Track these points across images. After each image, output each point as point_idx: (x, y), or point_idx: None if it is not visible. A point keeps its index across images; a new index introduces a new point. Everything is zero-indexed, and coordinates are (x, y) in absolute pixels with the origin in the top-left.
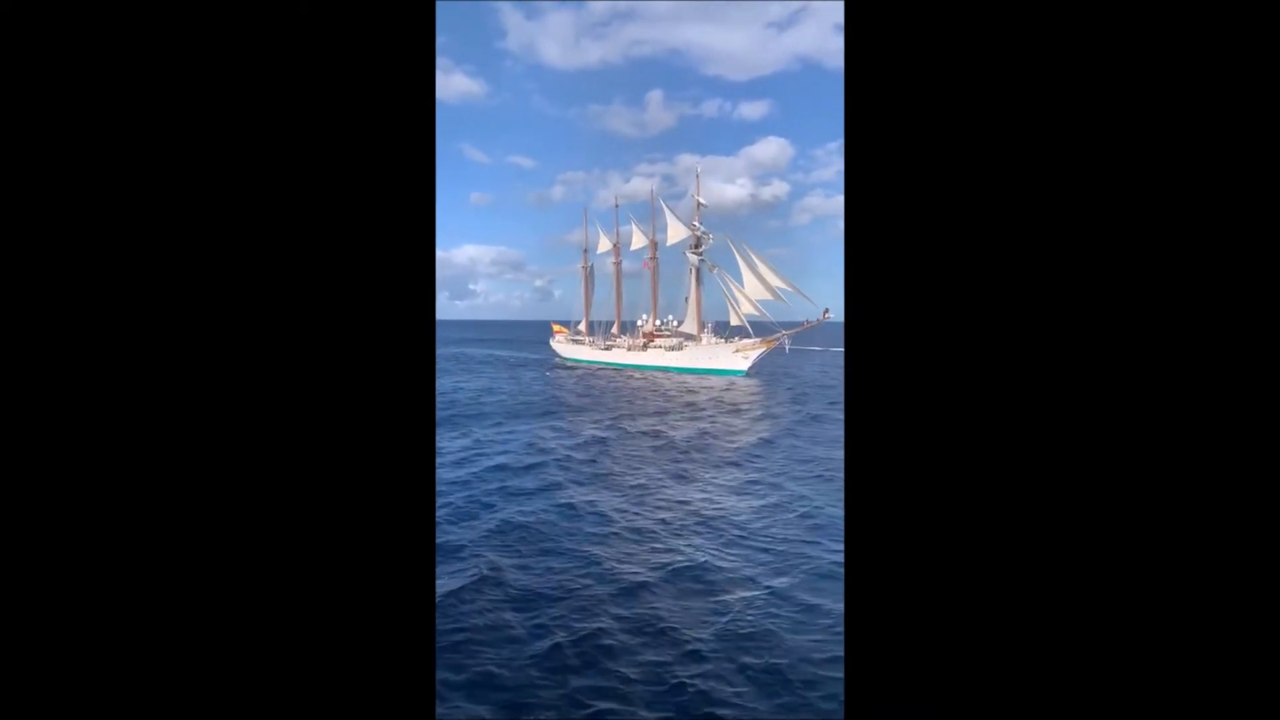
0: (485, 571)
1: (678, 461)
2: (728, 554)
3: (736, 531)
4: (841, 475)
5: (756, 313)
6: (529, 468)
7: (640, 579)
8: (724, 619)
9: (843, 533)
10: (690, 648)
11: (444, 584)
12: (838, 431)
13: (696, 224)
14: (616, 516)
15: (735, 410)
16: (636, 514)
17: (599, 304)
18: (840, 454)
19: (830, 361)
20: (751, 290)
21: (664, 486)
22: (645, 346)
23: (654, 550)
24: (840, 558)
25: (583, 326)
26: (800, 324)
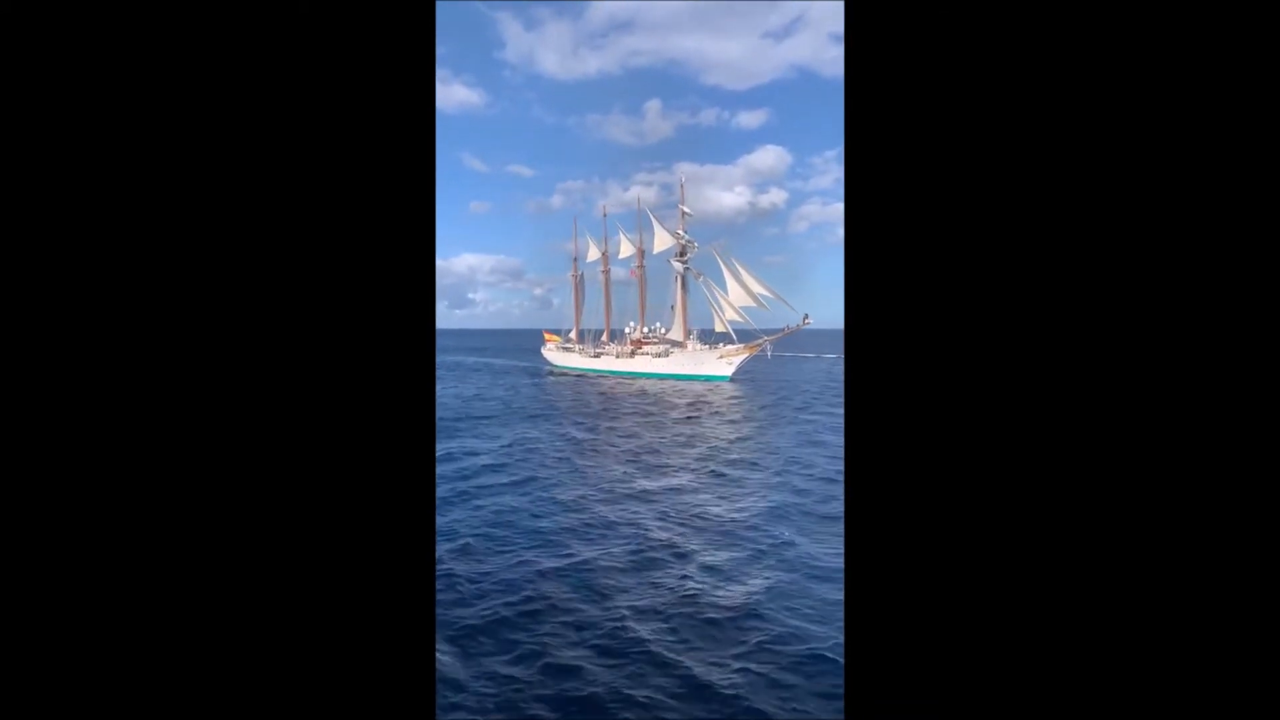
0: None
1: (650, 457)
2: (695, 540)
3: (704, 521)
4: (809, 469)
5: (740, 319)
6: (504, 466)
7: (583, 555)
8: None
9: (784, 517)
10: (617, 598)
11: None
12: (812, 430)
13: (681, 233)
14: (584, 504)
15: (717, 413)
16: (604, 505)
17: (590, 312)
18: (812, 450)
19: (815, 366)
20: (735, 297)
21: (631, 480)
22: (633, 353)
23: (607, 534)
24: (774, 540)
25: (573, 335)
26: (781, 330)
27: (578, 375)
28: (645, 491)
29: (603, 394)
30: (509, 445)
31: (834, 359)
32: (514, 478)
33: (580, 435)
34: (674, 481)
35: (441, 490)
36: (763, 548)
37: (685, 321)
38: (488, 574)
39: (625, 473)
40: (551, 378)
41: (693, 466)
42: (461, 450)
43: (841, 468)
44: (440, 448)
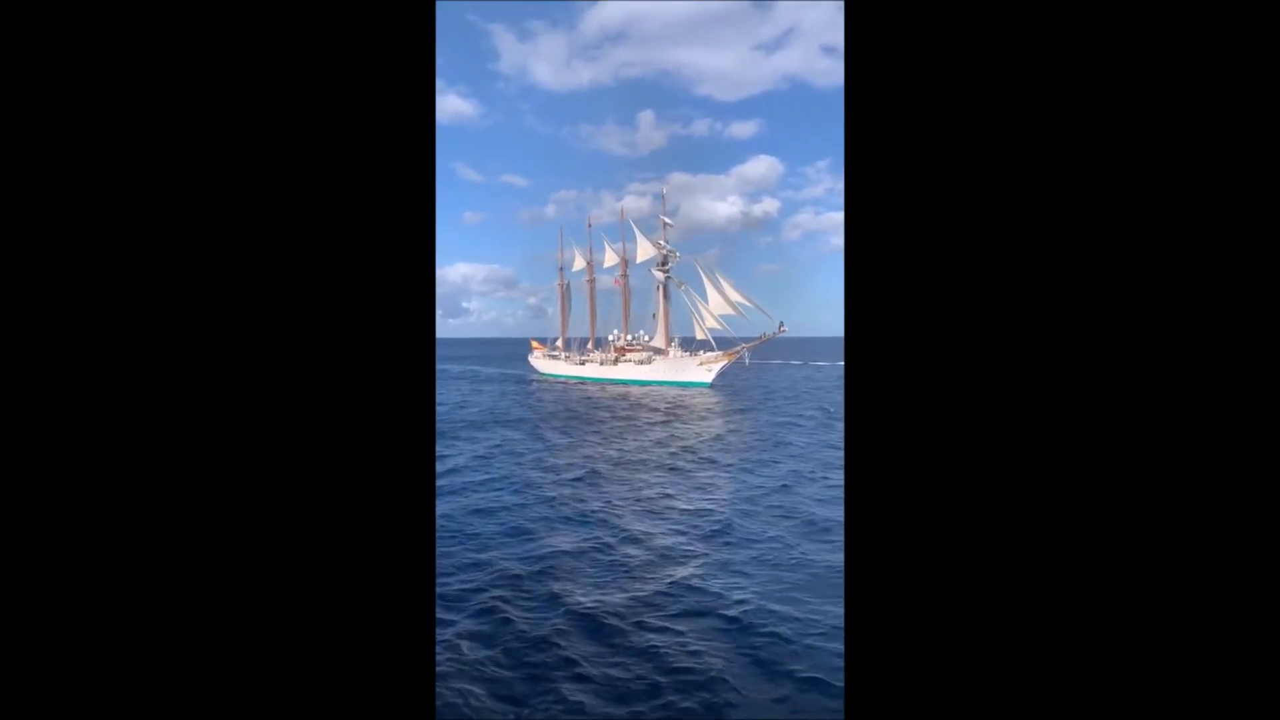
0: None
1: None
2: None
3: (671, 512)
4: (775, 465)
5: (720, 327)
6: (483, 463)
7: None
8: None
9: (748, 509)
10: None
11: None
12: (781, 428)
13: (663, 243)
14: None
15: (698, 416)
16: (582, 501)
17: (576, 320)
18: (779, 453)
19: (792, 372)
20: (715, 306)
21: (610, 477)
22: (616, 361)
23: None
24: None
25: (559, 343)
26: (758, 337)
27: (560, 381)
28: (607, 488)
29: (587, 398)
30: (481, 455)
31: (800, 365)
32: (481, 477)
33: (556, 439)
34: (640, 476)
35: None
36: (707, 532)
37: (667, 329)
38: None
39: (592, 470)
40: (533, 384)
41: (665, 463)
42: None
43: (799, 465)
44: None
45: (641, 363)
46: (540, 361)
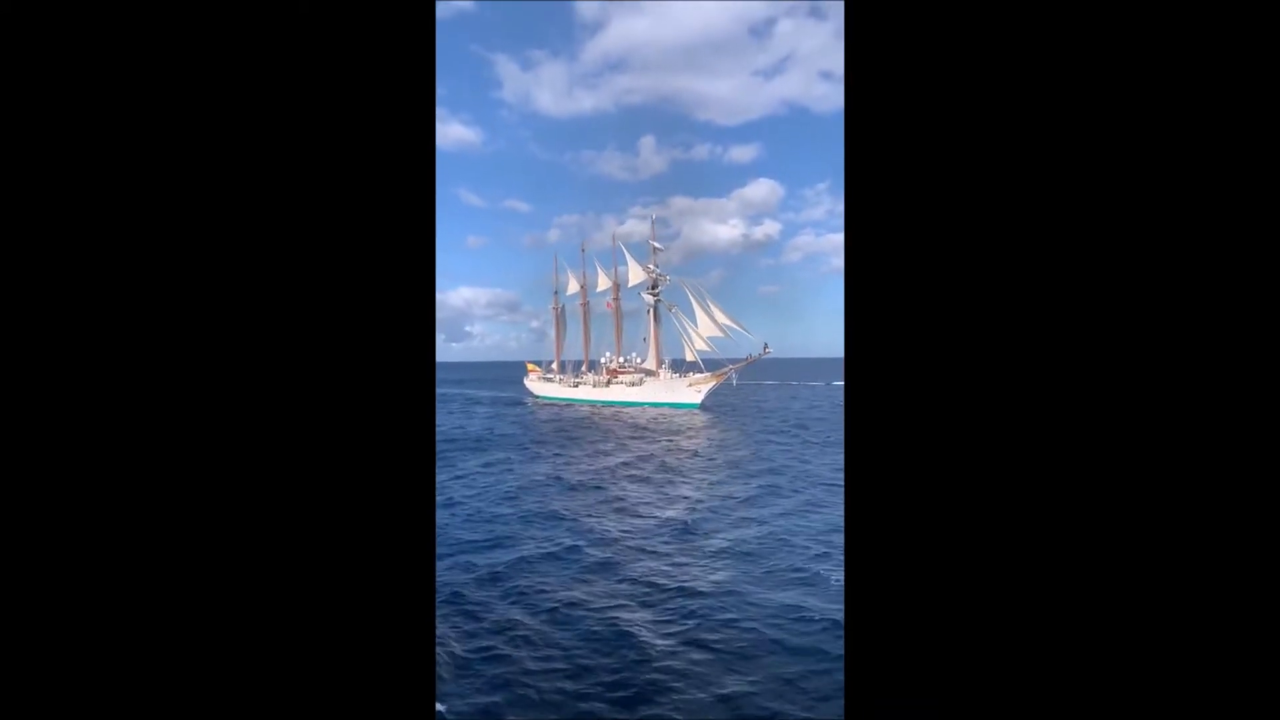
0: None
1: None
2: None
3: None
4: (757, 476)
5: (708, 349)
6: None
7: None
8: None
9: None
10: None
11: None
12: (760, 440)
13: (653, 267)
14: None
15: (686, 434)
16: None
17: (571, 343)
18: (757, 473)
19: (781, 393)
20: (703, 328)
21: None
22: (609, 383)
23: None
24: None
25: (554, 365)
26: (744, 359)
27: (554, 404)
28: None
29: (578, 421)
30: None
31: (798, 385)
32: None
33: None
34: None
35: None
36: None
37: (658, 352)
38: None
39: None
40: (523, 407)
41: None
42: None
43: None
44: None
45: (633, 384)
46: (535, 384)
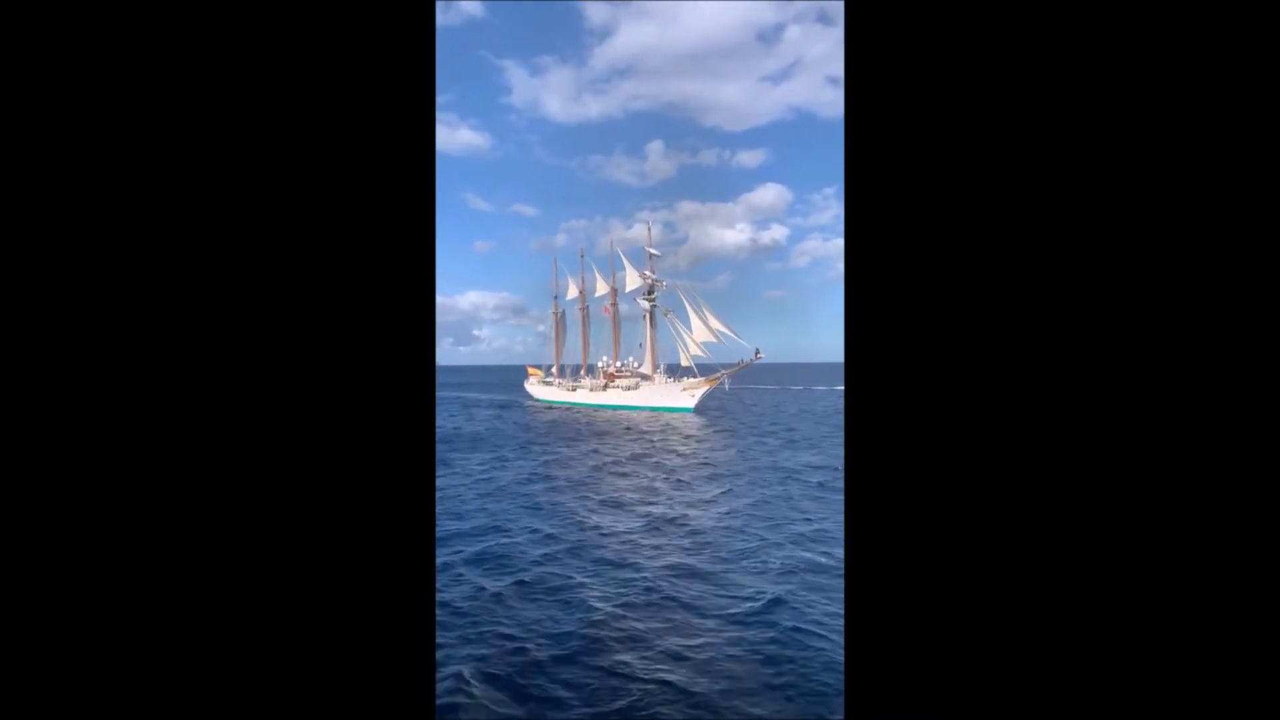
0: None
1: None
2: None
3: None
4: (735, 477)
5: (701, 354)
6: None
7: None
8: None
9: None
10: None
11: None
12: (747, 445)
13: (649, 273)
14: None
15: (684, 438)
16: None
17: (571, 347)
18: (743, 476)
19: (773, 398)
20: (698, 333)
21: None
22: (605, 386)
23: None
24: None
25: (554, 369)
26: (736, 364)
27: (553, 406)
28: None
29: (572, 423)
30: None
31: (800, 389)
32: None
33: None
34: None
35: None
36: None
37: (654, 356)
38: None
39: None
40: (530, 409)
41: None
42: None
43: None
44: None
45: (629, 388)
46: (535, 387)
